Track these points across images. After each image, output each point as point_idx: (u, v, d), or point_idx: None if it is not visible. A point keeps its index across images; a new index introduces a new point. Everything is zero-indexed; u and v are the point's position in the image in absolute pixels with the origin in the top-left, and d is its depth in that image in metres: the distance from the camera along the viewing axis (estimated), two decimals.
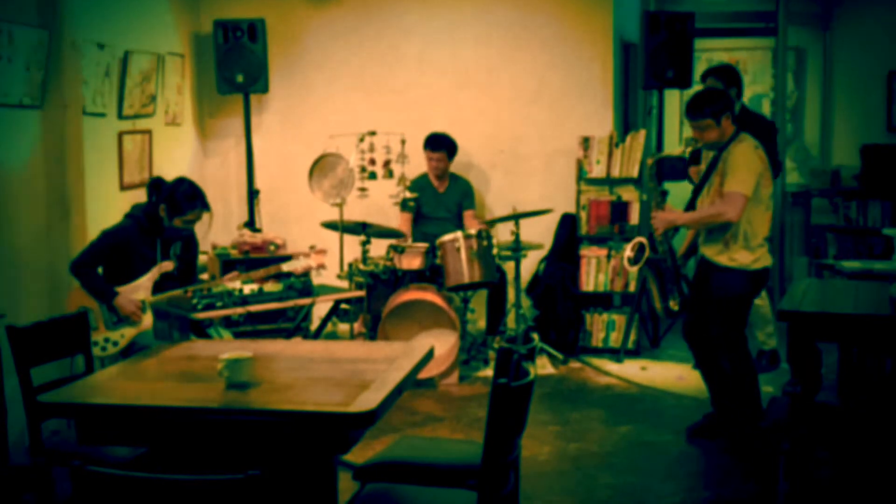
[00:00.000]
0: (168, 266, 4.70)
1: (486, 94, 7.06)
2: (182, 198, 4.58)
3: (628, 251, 4.82)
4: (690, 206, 4.71)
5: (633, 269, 4.81)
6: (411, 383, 3.21)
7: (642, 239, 4.81)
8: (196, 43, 7.12)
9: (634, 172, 6.50)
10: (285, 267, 4.80)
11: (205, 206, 4.68)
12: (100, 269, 4.66)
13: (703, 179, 4.64)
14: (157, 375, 3.16)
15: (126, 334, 4.58)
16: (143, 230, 4.66)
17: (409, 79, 7.13)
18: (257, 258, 6.33)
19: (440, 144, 6.57)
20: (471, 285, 6.03)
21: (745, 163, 4.41)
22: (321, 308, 5.97)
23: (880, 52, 7.72)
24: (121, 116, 5.96)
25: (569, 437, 4.92)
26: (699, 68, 7.19)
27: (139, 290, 4.60)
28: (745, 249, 4.49)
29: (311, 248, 5.06)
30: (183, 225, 4.65)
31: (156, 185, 4.74)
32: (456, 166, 6.81)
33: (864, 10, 7.82)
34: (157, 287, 4.66)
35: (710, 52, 8.15)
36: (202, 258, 5.57)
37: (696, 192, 4.70)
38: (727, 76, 5.73)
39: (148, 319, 4.60)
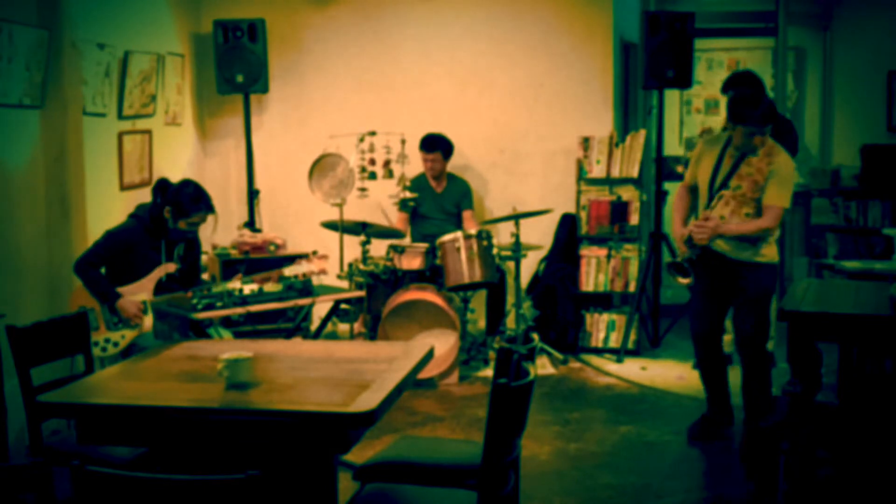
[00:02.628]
0: (171, 267, 4.71)
1: (486, 94, 7.06)
2: (187, 200, 4.59)
3: (684, 280, 4.73)
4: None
5: (689, 280, 4.74)
6: (411, 383, 3.21)
7: (679, 262, 4.73)
8: (196, 43, 7.12)
9: (634, 172, 6.50)
10: (287, 272, 4.81)
11: (209, 208, 4.70)
12: (102, 270, 4.66)
13: (726, 178, 4.56)
14: (157, 375, 3.16)
15: (127, 335, 4.57)
16: (148, 231, 4.67)
17: (409, 79, 7.13)
18: (257, 258, 6.33)
19: (435, 145, 6.56)
20: (471, 285, 6.03)
21: (791, 178, 4.54)
22: (321, 308, 5.97)
23: (880, 52, 7.72)
24: (121, 116, 5.96)
25: (569, 437, 4.92)
26: (699, 68, 7.18)
27: (141, 290, 4.60)
28: (768, 244, 4.61)
29: (313, 253, 5.07)
30: (187, 227, 4.65)
31: (161, 187, 4.75)
32: (456, 167, 6.81)
33: (864, 10, 7.82)
34: (160, 288, 4.67)
35: (710, 52, 8.15)
36: (202, 258, 5.57)
37: (711, 187, 4.62)
38: (748, 86, 5.66)
39: (148, 321, 4.60)
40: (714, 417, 4.88)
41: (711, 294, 4.75)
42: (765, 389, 4.65)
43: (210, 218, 4.75)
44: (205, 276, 6.08)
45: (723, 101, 8.22)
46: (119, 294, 4.55)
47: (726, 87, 5.75)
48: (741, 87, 5.68)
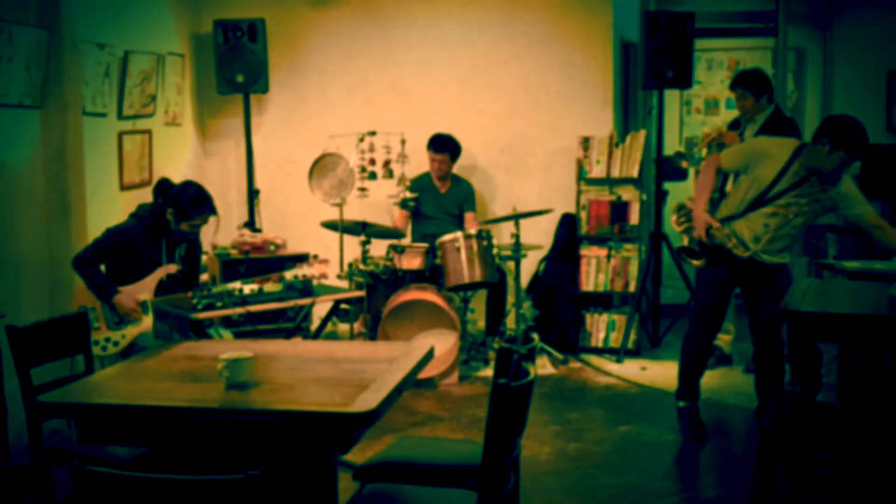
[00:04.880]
0: (172, 268, 4.71)
1: (485, 94, 7.06)
2: (189, 202, 4.60)
3: (697, 262, 4.72)
4: (762, 195, 4.58)
5: (702, 262, 4.74)
6: (411, 383, 3.21)
7: (690, 247, 4.72)
8: (196, 43, 7.12)
9: (634, 172, 6.50)
10: (287, 275, 4.83)
11: (212, 210, 4.70)
12: (102, 268, 4.66)
13: (786, 190, 4.53)
14: (157, 375, 3.16)
15: (127, 334, 4.58)
16: (148, 231, 4.67)
17: (409, 79, 7.13)
18: (257, 258, 6.33)
19: (444, 146, 6.55)
20: (471, 285, 6.03)
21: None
22: (321, 308, 5.96)
23: (880, 52, 7.71)
24: (121, 116, 5.96)
25: (569, 437, 4.92)
26: (699, 68, 7.16)
27: (142, 290, 4.61)
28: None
29: (314, 257, 5.08)
30: (189, 229, 4.66)
31: (162, 187, 4.75)
32: (456, 166, 6.81)
33: (864, 10, 7.82)
34: (161, 288, 4.67)
35: (710, 52, 8.14)
36: (202, 258, 5.57)
37: (765, 191, 4.58)
38: (756, 84, 5.65)
39: (148, 320, 4.60)
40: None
41: (729, 293, 4.86)
42: (781, 375, 4.69)
43: (212, 219, 4.76)
44: (205, 277, 6.08)
45: (723, 101, 8.28)
46: (116, 289, 4.55)
47: (735, 84, 5.75)
48: (750, 85, 5.68)
